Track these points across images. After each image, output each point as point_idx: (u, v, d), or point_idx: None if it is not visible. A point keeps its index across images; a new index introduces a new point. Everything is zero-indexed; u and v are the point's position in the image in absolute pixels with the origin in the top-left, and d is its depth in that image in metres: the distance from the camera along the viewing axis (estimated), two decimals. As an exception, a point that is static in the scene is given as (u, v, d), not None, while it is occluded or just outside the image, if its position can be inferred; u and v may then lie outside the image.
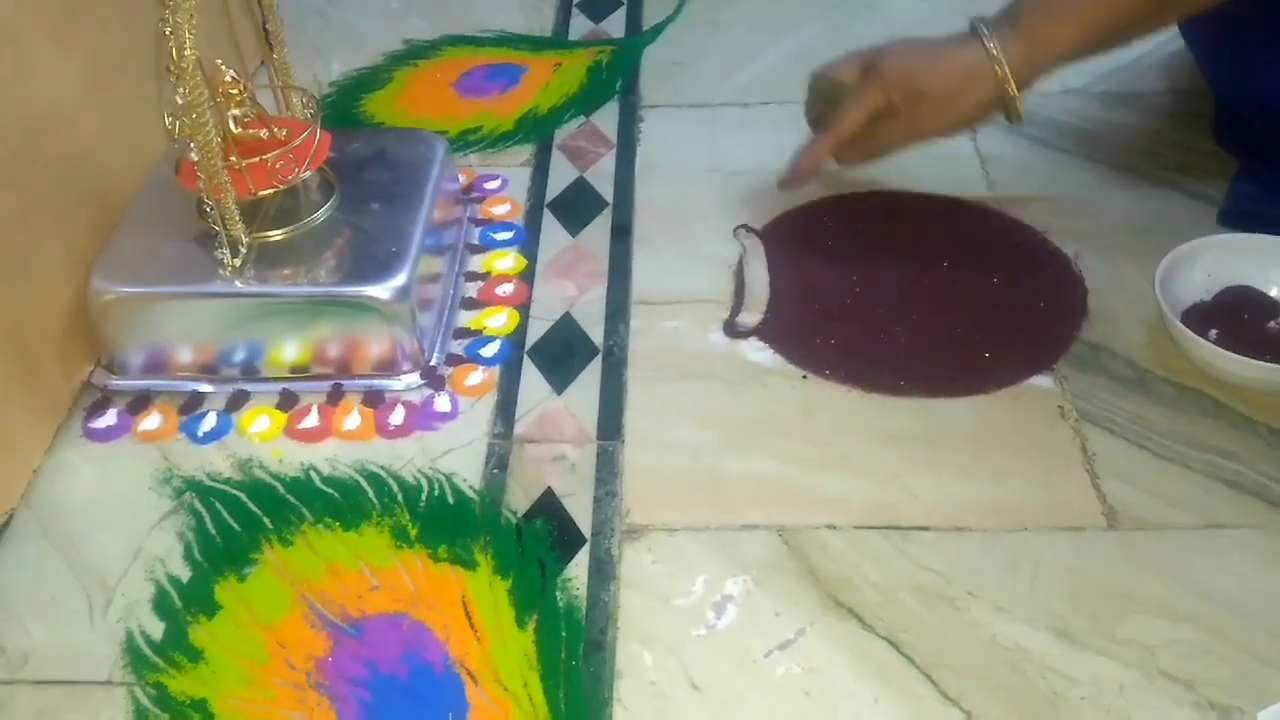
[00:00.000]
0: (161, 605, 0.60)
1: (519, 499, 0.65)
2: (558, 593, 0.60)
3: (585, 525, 0.63)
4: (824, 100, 0.80)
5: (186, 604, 0.60)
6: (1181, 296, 0.71)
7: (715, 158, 0.90)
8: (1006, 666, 0.55)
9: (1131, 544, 0.61)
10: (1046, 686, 0.55)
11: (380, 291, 0.69)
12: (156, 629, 0.59)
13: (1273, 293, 0.72)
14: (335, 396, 0.71)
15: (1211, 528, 0.61)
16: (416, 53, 1.04)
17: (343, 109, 0.97)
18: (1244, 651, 0.56)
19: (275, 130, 0.71)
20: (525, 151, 0.92)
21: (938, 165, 0.87)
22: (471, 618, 0.58)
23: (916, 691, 0.55)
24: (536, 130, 0.94)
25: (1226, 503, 0.62)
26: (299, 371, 0.72)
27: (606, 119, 0.95)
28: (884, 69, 0.76)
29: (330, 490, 0.65)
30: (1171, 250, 0.72)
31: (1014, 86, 0.73)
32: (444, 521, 0.63)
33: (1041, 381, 0.70)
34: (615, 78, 1.00)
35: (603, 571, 0.61)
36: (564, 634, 0.58)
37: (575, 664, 0.56)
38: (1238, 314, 0.71)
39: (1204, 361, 0.68)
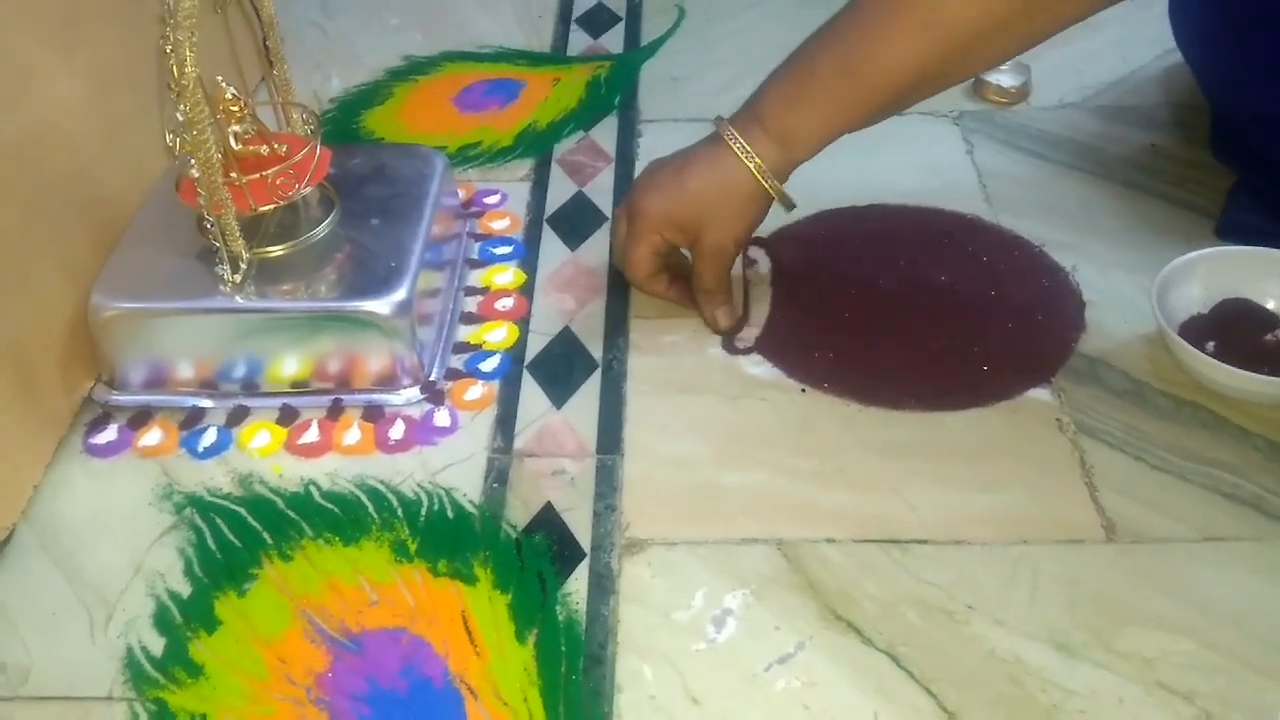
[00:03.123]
0: (162, 621, 0.60)
1: (519, 513, 0.65)
2: (557, 607, 0.60)
3: (585, 539, 0.63)
4: (638, 269, 0.76)
5: (187, 620, 0.60)
6: (1179, 309, 0.72)
7: (714, 172, 0.90)
8: (1006, 679, 0.55)
9: (1130, 556, 0.61)
10: (1046, 699, 0.55)
11: (380, 306, 0.69)
12: (157, 644, 0.59)
13: (1269, 305, 0.72)
14: (335, 411, 0.71)
15: (1210, 540, 0.61)
16: (416, 68, 1.04)
17: (343, 125, 0.97)
18: (1242, 664, 0.56)
19: (276, 146, 0.72)
20: (524, 166, 0.93)
21: (935, 179, 0.87)
22: (471, 632, 0.59)
23: (916, 705, 0.55)
24: (536, 145, 0.94)
25: (1224, 515, 0.62)
26: (299, 387, 0.72)
27: (605, 134, 0.96)
28: (643, 211, 0.73)
29: (330, 505, 0.66)
30: (1169, 263, 0.72)
31: (775, 181, 0.71)
32: (444, 536, 0.64)
33: (1039, 394, 0.70)
34: (614, 93, 1.00)
35: (602, 586, 0.61)
36: (564, 648, 0.58)
37: (575, 678, 0.56)
38: (1235, 327, 0.71)
39: (1201, 374, 0.68)
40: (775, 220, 0.84)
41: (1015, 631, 0.57)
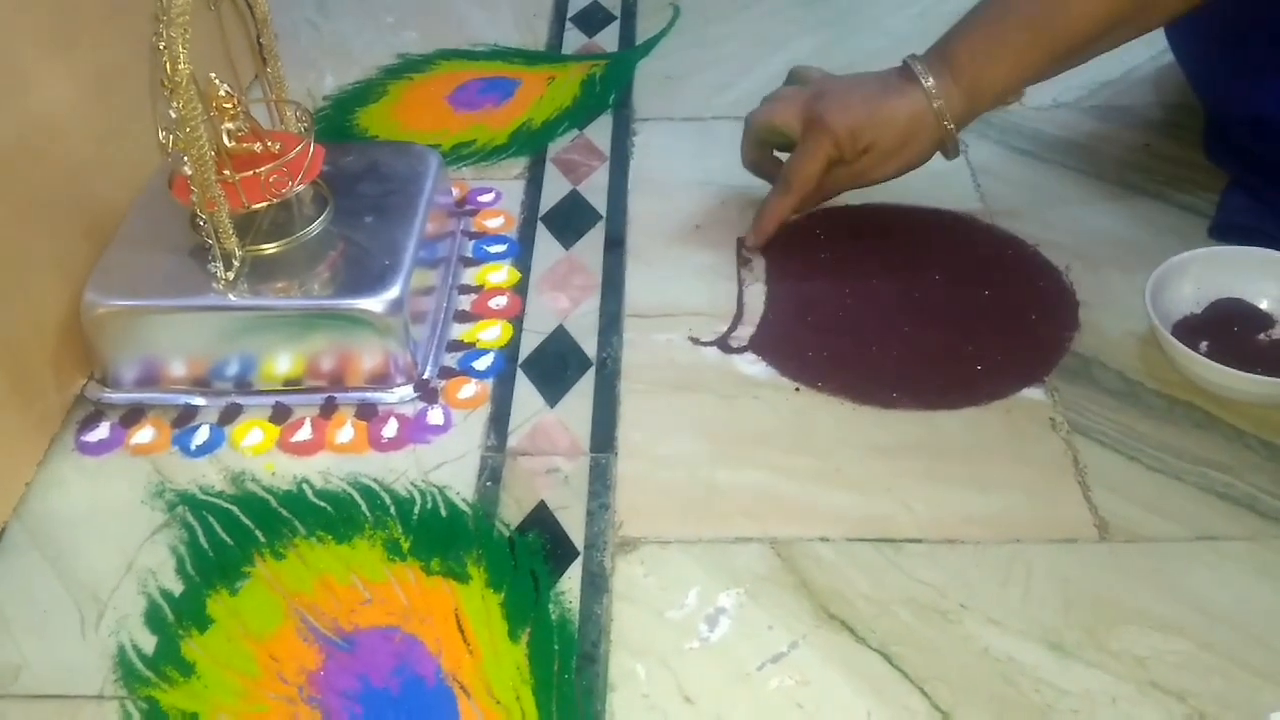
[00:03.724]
0: (153, 619, 0.60)
1: (512, 512, 0.65)
2: (550, 606, 0.60)
3: (578, 538, 0.63)
4: (762, 147, 0.81)
5: (178, 618, 0.60)
6: (1172, 309, 0.72)
7: (708, 171, 0.90)
8: (999, 678, 0.55)
9: (1123, 556, 0.61)
10: (1039, 699, 0.55)
11: (373, 304, 0.69)
12: (148, 643, 0.59)
13: (1263, 305, 0.72)
14: (328, 409, 0.71)
15: (1203, 540, 0.61)
16: (411, 66, 1.04)
17: (337, 122, 0.97)
18: (1236, 663, 0.56)
19: (269, 144, 0.71)
20: (519, 165, 0.92)
21: (930, 179, 0.87)
22: (464, 631, 0.58)
23: (909, 704, 0.55)
24: (530, 143, 0.94)
25: (1218, 515, 0.62)
26: (292, 384, 0.72)
27: (600, 132, 0.96)
28: (829, 122, 0.75)
29: (323, 503, 0.65)
30: (1162, 263, 0.72)
31: (954, 128, 0.74)
32: (437, 534, 0.63)
33: (1033, 394, 0.70)
34: (609, 91, 1.00)
35: (595, 584, 0.61)
36: (557, 647, 0.58)
37: (568, 677, 0.56)
38: (1228, 327, 0.71)
39: (1195, 374, 0.68)
40: (770, 219, 0.84)
41: (1009, 631, 0.57)
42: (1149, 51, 0.99)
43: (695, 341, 0.75)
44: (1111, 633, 0.57)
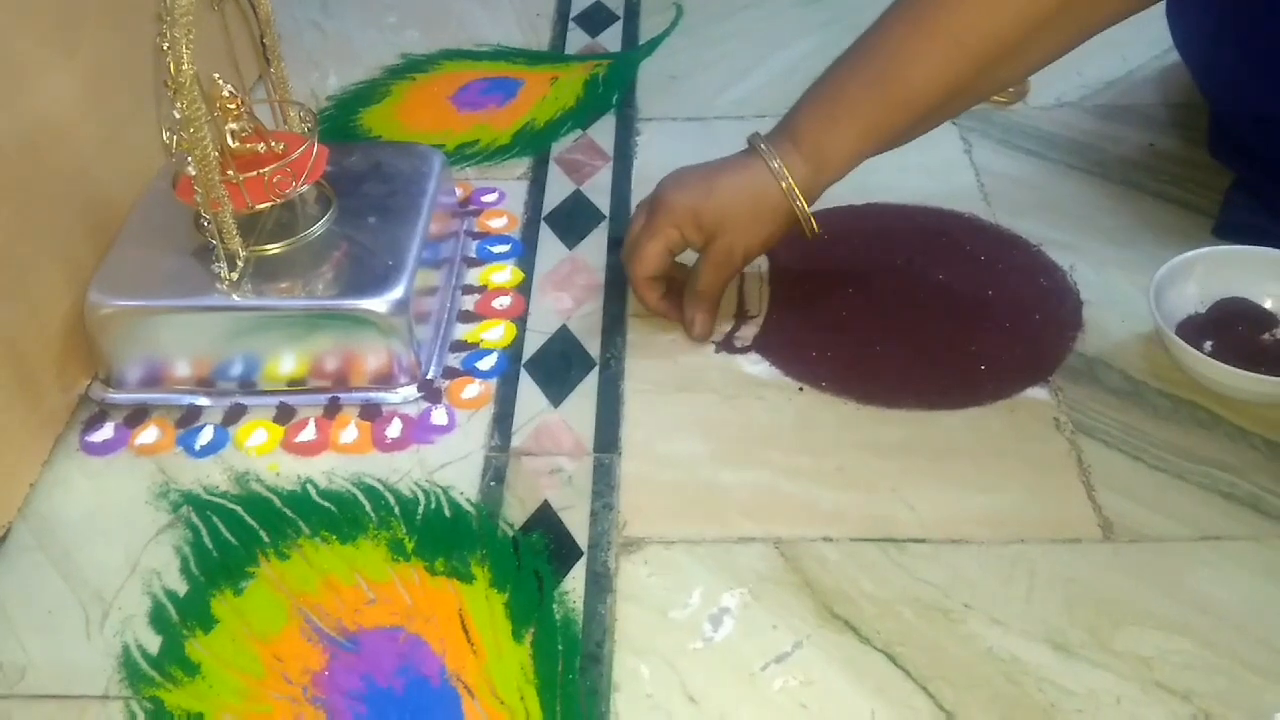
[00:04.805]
0: (158, 619, 0.60)
1: (516, 512, 0.65)
2: (554, 606, 0.60)
3: (582, 538, 0.63)
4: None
5: (183, 618, 0.60)
6: (1176, 309, 0.72)
7: (711, 171, 0.90)
8: (1003, 678, 0.55)
9: (1127, 556, 0.61)
10: (1043, 698, 0.55)
11: (377, 305, 0.69)
12: (153, 643, 0.59)
13: (1267, 305, 0.72)
14: (332, 410, 0.71)
15: (1207, 539, 0.61)
16: (414, 66, 1.04)
17: (340, 123, 0.97)
18: (1240, 663, 0.56)
19: (273, 144, 0.71)
20: (522, 165, 0.92)
21: (933, 178, 0.87)
22: (468, 631, 0.58)
23: (913, 704, 0.55)
24: (533, 144, 0.94)
25: (1222, 515, 0.62)
26: (296, 385, 0.72)
27: (603, 132, 0.96)
28: (666, 200, 0.73)
29: (327, 504, 0.65)
30: (1166, 262, 0.72)
31: (803, 202, 0.71)
32: (441, 535, 0.63)
33: (1037, 393, 0.70)
34: (612, 91, 1.00)
35: (599, 584, 0.61)
36: (561, 647, 0.58)
37: (572, 677, 0.56)
38: (1232, 326, 0.71)
39: (1199, 374, 0.68)
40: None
41: (1012, 630, 0.57)
42: (1153, 50, 0.99)
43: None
44: (1115, 632, 0.57)
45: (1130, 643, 0.57)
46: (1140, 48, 0.99)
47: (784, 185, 0.70)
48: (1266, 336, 0.71)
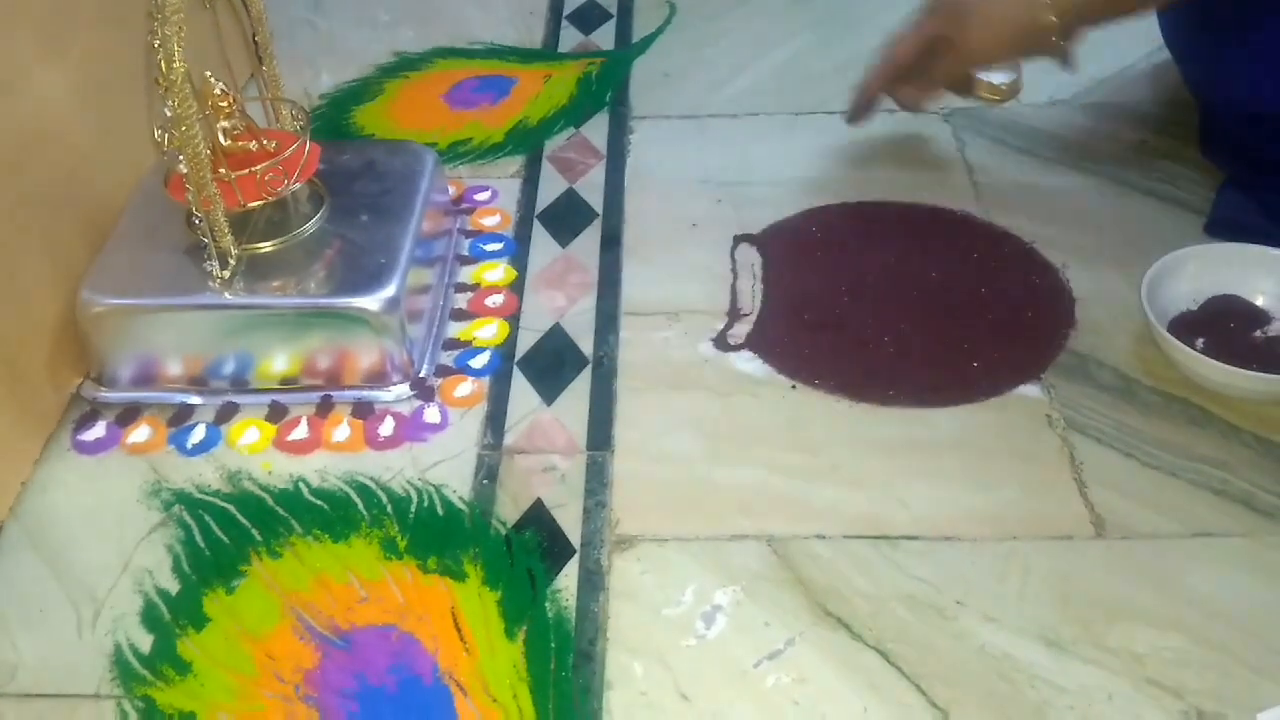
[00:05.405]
0: (150, 618, 0.60)
1: (508, 510, 0.65)
2: (547, 604, 0.60)
3: (575, 536, 0.63)
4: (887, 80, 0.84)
5: (175, 616, 0.60)
6: (1168, 306, 0.72)
7: (705, 169, 0.90)
8: (995, 675, 0.56)
9: (1119, 552, 0.61)
10: (1035, 695, 0.55)
11: (370, 303, 0.69)
12: (145, 642, 0.59)
13: (1258, 302, 0.72)
14: (325, 408, 0.71)
15: (1199, 536, 0.61)
16: (407, 64, 1.04)
17: (333, 121, 0.97)
18: (1231, 659, 0.56)
19: (265, 142, 0.71)
20: (515, 163, 0.92)
21: (927, 176, 0.87)
22: (461, 629, 0.58)
23: (905, 701, 0.55)
24: (526, 141, 0.94)
25: (1214, 511, 0.63)
26: (288, 383, 0.72)
27: (596, 130, 0.95)
28: (938, 2, 0.79)
29: (319, 502, 0.65)
30: (1158, 260, 0.72)
31: (1056, 20, 0.74)
32: (433, 533, 0.63)
33: (1029, 391, 0.70)
34: (605, 89, 1.00)
35: (592, 582, 0.61)
36: (553, 645, 0.58)
37: (565, 675, 0.56)
38: (1224, 323, 0.71)
39: (1191, 371, 0.68)
40: (767, 216, 0.84)
41: (1005, 627, 0.57)
42: (1144, 49, 0.99)
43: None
44: (1108, 629, 0.57)
45: (1123, 639, 0.57)
46: (1132, 46, 0.99)
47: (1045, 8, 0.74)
48: (1258, 334, 0.71)
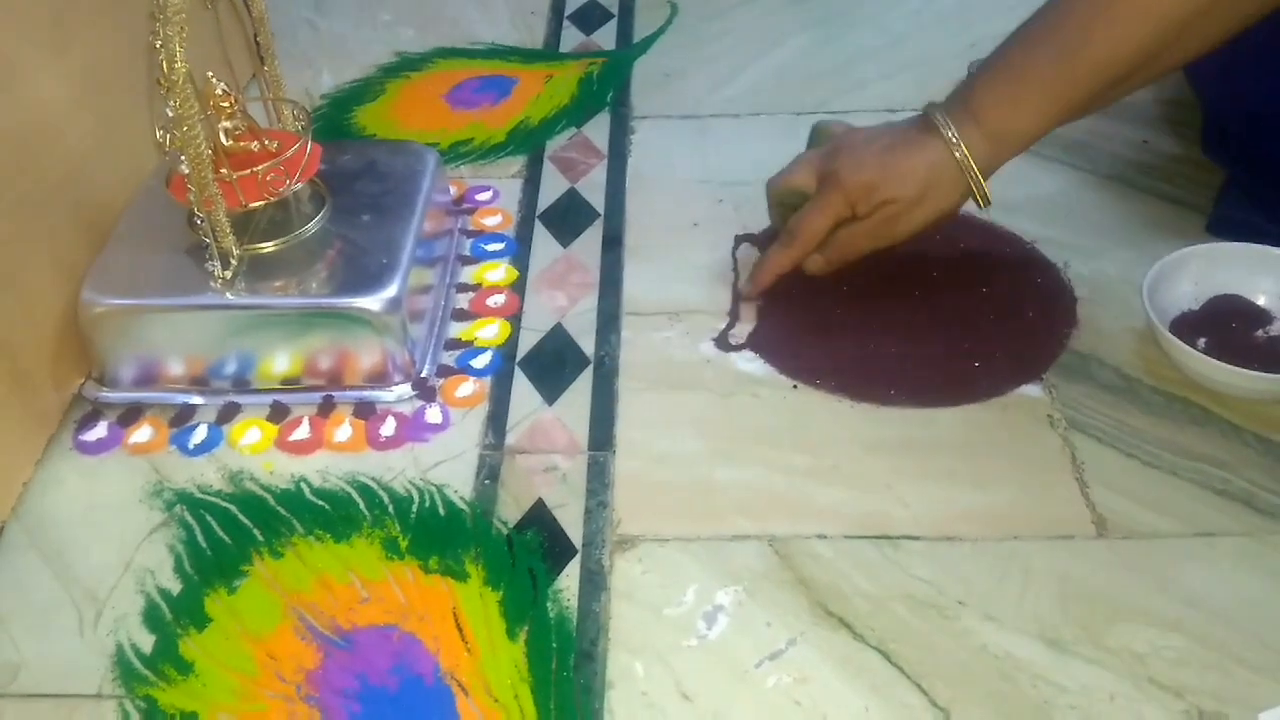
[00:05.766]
0: (151, 618, 0.60)
1: (510, 510, 0.65)
2: (549, 604, 0.60)
3: (576, 536, 0.63)
4: (784, 207, 0.77)
5: (176, 616, 0.60)
6: (1170, 306, 0.72)
7: (706, 168, 0.91)
8: (997, 675, 0.56)
9: (1121, 552, 0.61)
10: (1036, 695, 0.55)
11: (371, 303, 0.69)
12: (146, 642, 0.59)
13: (1260, 302, 0.72)
14: (326, 408, 0.71)
15: (1200, 536, 0.61)
16: (408, 65, 1.04)
17: (335, 121, 0.97)
18: (1233, 659, 0.56)
19: (266, 143, 0.71)
20: (517, 163, 0.92)
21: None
22: (462, 629, 0.59)
23: (907, 701, 0.55)
24: (528, 142, 0.94)
25: (1215, 511, 0.63)
26: (290, 383, 0.72)
27: (598, 130, 0.96)
28: (841, 178, 0.72)
29: (321, 502, 0.65)
30: (1160, 259, 0.72)
31: (979, 177, 0.70)
32: (435, 533, 0.63)
33: (1030, 390, 0.70)
34: (606, 89, 1.00)
35: (594, 582, 0.61)
36: (555, 645, 0.58)
37: (566, 675, 0.56)
38: (1226, 323, 0.71)
39: (1193, 370, 0.69)
40: (766, 216, 0.84)
41: (1006, 627, 0.58)
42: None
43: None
44: (1109, 629, 0.57)
45: (1124, 639, 0.57)
46: (1134, 45, 0.99)
47: (960, 161, 0.70)
48: (1260, 333, 0.71)
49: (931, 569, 0.61)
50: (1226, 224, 0.78)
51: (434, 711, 0.55)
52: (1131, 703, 0.54)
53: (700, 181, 0.89)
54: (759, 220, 0.84)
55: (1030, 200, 0.85)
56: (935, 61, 0.99)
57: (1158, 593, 0.59)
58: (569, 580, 0.61)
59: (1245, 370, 0.66)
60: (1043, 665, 0.56)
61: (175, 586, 0.61)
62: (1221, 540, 0.61)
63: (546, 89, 1.00)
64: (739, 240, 0.83)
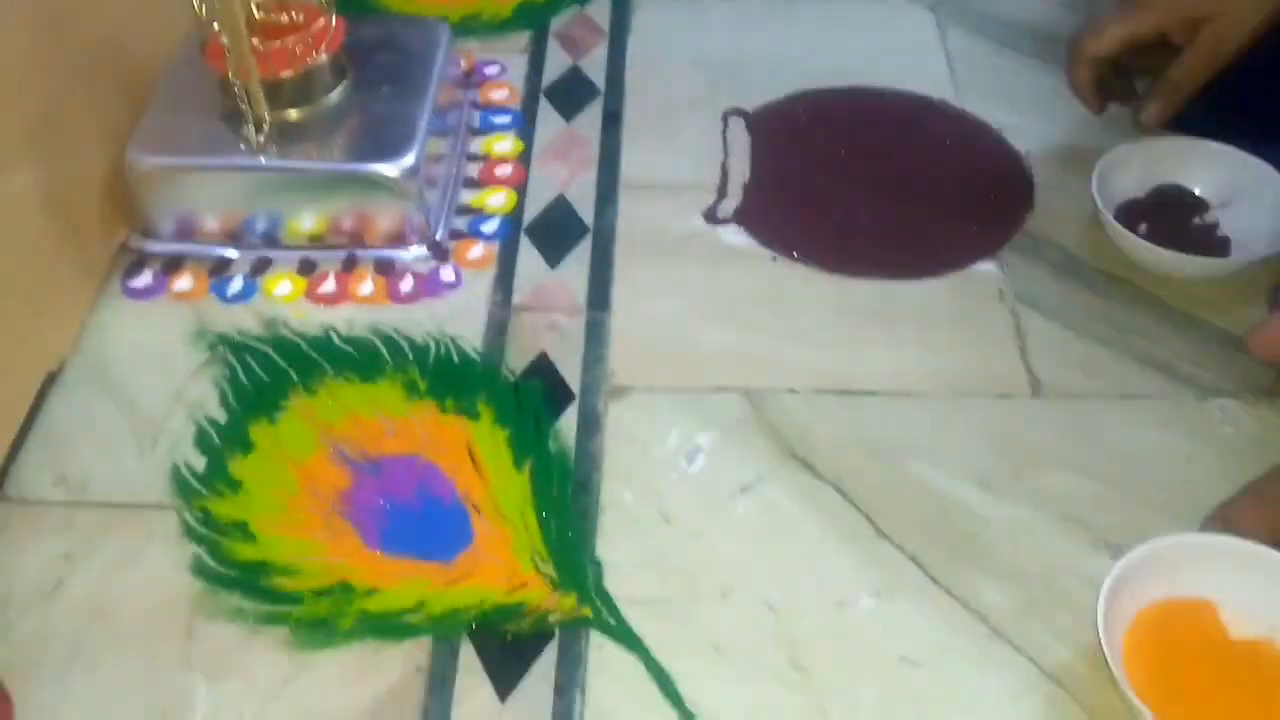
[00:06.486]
0: (202, 442, 0.67)
1: (516, 360, 0.72)
2: (550, 441, 0.68)
3: (575, 384, 0.71)
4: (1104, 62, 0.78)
5: (224, 442, 0.67)
6: (1117, 193, 0.78)
7: (702, 51, 0.96)
8: (935, 509, 0.64)
9: (1051, 410, 0.69)
10: (967, 526, 0.63)
11: (391, 169, 0.75)
12: (199, 463, 0.66)
13: (1198, 191, 0.79)
14: (350, 265, 0.78)
15: (1123, 398, 0.69)
16: (419, -62, 1.07)
17: (349, -8, 1.01)
18: (1141, 501, 0.64)
19: (293, 15, 0.77)
20: (523, 39, 0.97)
21: (908, 64, 0.93)
22: (475, 460, 0.67)
23: (857, 529, 0.63)
24: (533, 18, 0.99)
25: (1138, 376, 0.70)
26: (316, 241, 0.78)
27: (600, 10, 1.00)
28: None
29: (348, 348, 0.73)
30: (1110, 150, 0.78)
31: None
32: (450, 378, 0.71)
33: (986, 267, 0.77)
34: (610, -32, 1.04)
35: (590, 424, 0.69)
36: (555, 475, 0.66)
37: (565, 500, 0.64)
38: (1167, 210, 0.78)
39: (1132, 254, 0.75)
40: (757, 98, 0.90)
41: (945, 471, 0.66)
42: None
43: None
44: (1035, 474, 0.66)
45: (1047, 483, 0.65)
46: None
47: None
48: (1197, 220, 0.78)
49: (885, 420, 0.69)
50: (1182, 124, 0.83)
51: (452, 526, 0.63)
52: (1048, 534, 0.63)
53: (696, 64, 0.94)
54: (750, 101, 0.90)
55: (1001, 91, 0.90)
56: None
57: (1081, 445, 0.67)
58: (568, 422, 0.69)
59: (1179, 254, 0.73)
60: (975, 503, 0.64)
61: (222, 416, 0.69)
62: (1141, 401, 0.69)
63: (552, -35, 1.04)
64: (728, 118, 0.89)
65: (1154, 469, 0.66)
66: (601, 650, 0.59)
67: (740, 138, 0.87)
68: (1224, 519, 0.60)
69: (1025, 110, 0.88)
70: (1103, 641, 0.53)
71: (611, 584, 0.61)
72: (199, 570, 0.62)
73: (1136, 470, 0.66)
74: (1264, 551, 0.57)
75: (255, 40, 0.73)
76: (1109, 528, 0.63)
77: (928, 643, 0.59)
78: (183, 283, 0.77)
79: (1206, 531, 0.60)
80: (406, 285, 0.77)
